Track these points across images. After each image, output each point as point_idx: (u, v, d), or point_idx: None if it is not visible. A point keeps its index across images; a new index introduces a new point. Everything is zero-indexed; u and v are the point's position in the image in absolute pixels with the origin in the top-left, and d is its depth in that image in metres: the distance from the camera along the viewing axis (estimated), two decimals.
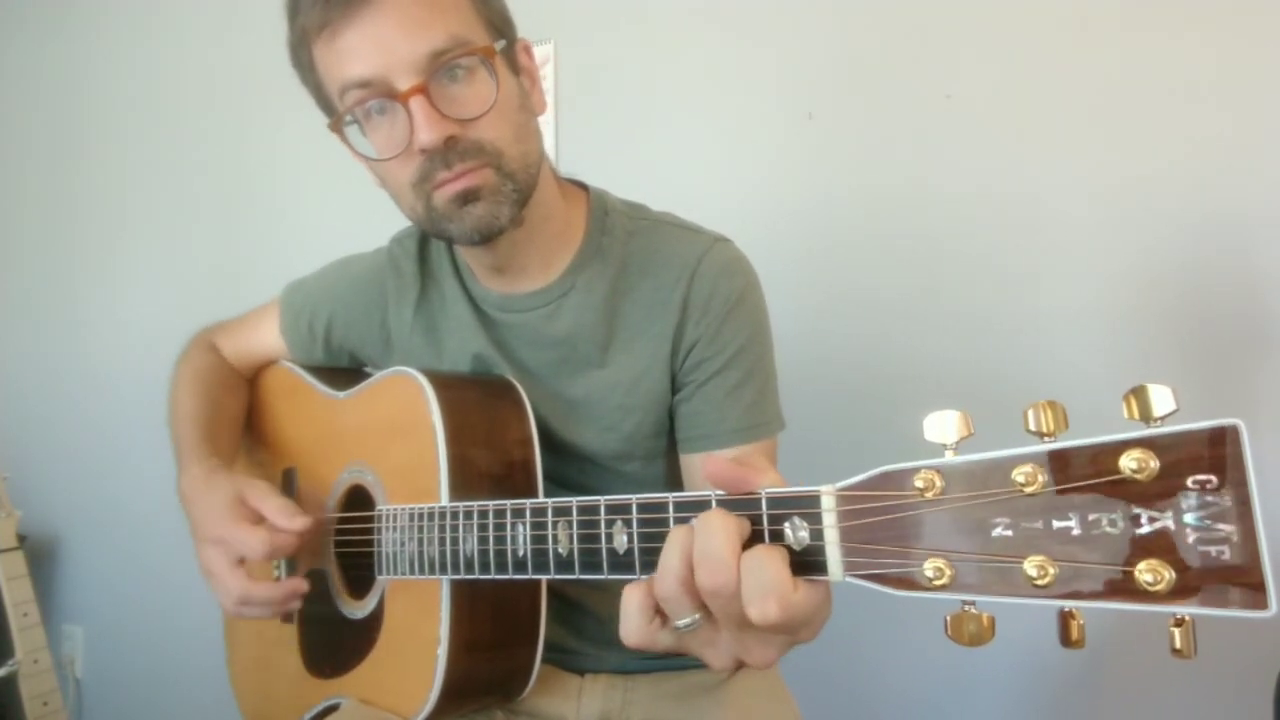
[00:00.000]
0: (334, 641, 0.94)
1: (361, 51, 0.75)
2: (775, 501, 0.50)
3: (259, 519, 0.85)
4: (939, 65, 1.44)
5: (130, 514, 2.12)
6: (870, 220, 1.49)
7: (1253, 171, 1.25)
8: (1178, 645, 0.38)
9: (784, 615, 0.47)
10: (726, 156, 1.61)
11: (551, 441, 0.92)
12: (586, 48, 1.71)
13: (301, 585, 0.87)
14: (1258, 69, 1.25)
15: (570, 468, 0.94)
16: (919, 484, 0.44)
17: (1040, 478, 0.40)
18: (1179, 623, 0.38)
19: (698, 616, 0.50)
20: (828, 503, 0.48)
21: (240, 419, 1.10)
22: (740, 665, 0.53)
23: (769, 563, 0.47)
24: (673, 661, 0.97)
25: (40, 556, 2.20)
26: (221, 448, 1.01)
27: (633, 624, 0.53)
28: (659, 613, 0.53)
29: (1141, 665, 1.27)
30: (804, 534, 0.48)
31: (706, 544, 0.48)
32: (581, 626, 0.96)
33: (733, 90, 1.60)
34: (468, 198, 0.78)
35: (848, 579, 0.47)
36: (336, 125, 0.81)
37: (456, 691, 0.80)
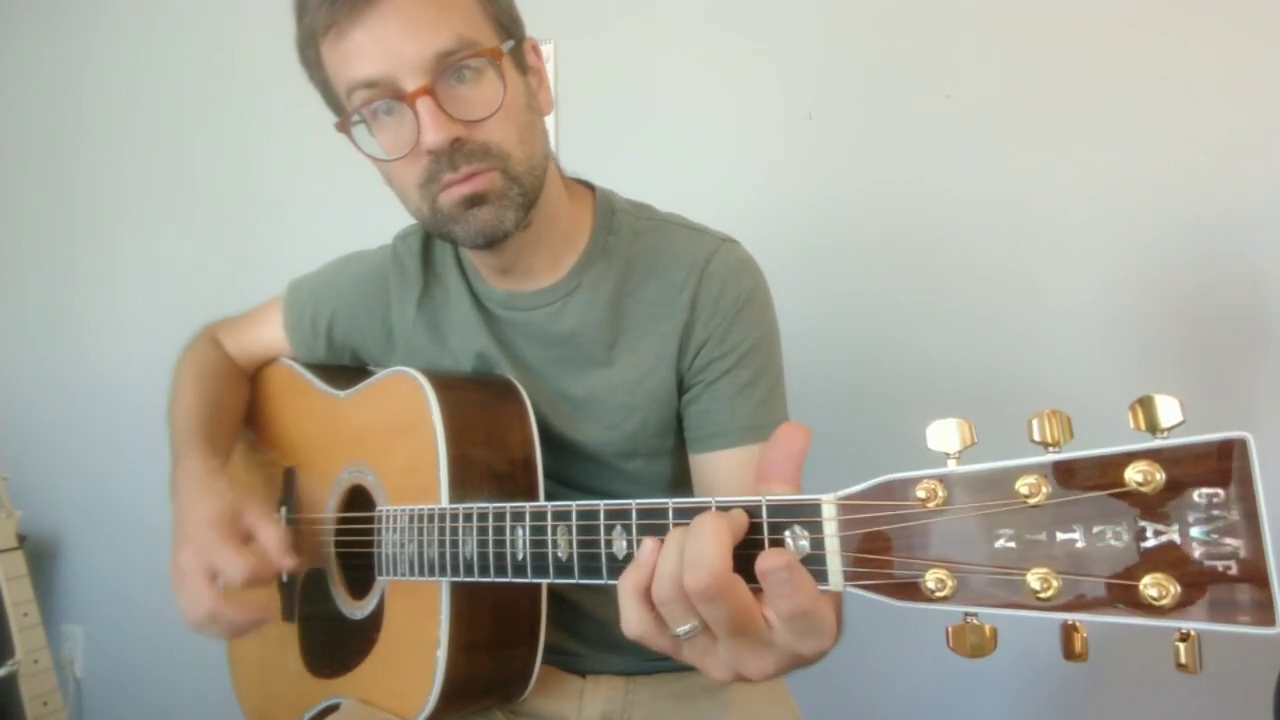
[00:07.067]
0: (334, 641, 0.94)
1: (368, 52, 0.74)
2: (775, 509, 0.49)
3: (248, 538, 0.84)
4: (939, 65, 1.44)
5: (130, 514, 2.11)
6: (870, 220, 1.49)
7: (1253, 171, 1.25)
8: (1183, 660, 0.37)
9: (714, 586, 0.46)
10: (727, 156, 1.61)
11: (554, 440, 0.91)
12: (587, 47, 1.71)
13: (267, 617, 0.85)
14: (1258, 69, 1.25)
15: (573, 466, 0.93)
16: (921, 494, 0.43)
17: (1044, 489, 0.40)
18: (1184, 638, 0.37)
19: (695, 624, 0.49)
20: (828, 511, 0.47)
21: (240, 415, 1.10)
22: (739, 678, 0.52)
23: (711, 532, 0.47)
24: (674, 663, 0.97)
25: (40, 556, 2.20)
26: (220, 444, 1.00)
27: (631, 612, 0.52)
28: (655, 610, 0.51)
29: (1143, 667, 1.26)
30: (804, 543, 0.48)
31: (695, 546, 0.48)
32: (582, 630, 0.96)
33: (733, 90, 1.60)
34: (474, 201, 0.78)
35: (848, 589, 0.47)
36: (344, 125, 0.81)
37: (456, 693, 0.80)
